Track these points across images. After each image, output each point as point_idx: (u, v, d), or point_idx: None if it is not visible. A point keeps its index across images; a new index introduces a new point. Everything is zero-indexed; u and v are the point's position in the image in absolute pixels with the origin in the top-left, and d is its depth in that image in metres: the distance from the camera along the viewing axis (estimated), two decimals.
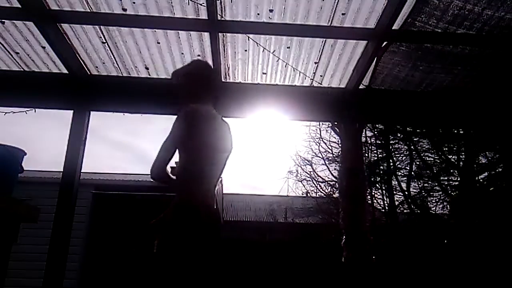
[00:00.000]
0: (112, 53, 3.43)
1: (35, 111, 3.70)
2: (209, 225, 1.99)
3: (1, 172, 2.09)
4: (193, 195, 1.97)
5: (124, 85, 3.68)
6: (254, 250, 14.49)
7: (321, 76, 3.65)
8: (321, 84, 3.70)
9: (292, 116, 3.89)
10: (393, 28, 2.94)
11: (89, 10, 2.96)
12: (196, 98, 2.18)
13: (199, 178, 2.03)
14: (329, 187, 12.05)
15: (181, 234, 1.88)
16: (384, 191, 10.22)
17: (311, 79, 3.68)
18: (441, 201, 9.90)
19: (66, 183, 3.38)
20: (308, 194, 13.05)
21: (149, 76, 3.68)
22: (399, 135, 9.93)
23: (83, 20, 3.06)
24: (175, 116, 2.07)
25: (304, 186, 12.92)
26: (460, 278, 7.41)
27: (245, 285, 13.59)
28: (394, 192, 10.08)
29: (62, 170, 3.41)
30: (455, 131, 8.80)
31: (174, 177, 2.05)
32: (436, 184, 9.70)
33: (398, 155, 10.39)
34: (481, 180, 8.91)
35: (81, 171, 3.48)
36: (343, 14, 2.94)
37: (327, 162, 11.57)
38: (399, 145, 10.27)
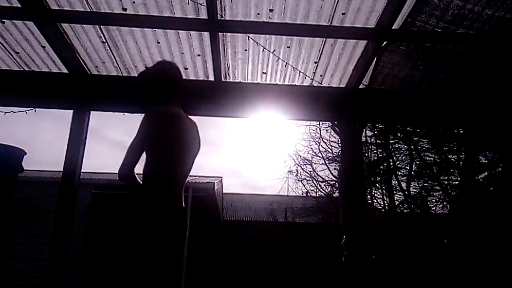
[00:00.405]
0: (112, 53, 3.43)
1: (35, 111, 3.70)
2: (179, 223, 2.05)
3: (1, 172, 2.10)
4: (164, 195, 2.02)
5: (124, 85, 3.68)
6: (254, 249, 14.49)
7: (321, 75, 3.65)
8: (321, 83, 3.70)
9: (292, 116, 3.89)
10: (393, 27, 2.94)
11: (89, 10, 2.96)
12: (164, 99, 2.22)
13: (168, 178, 2.07)
14: (329, 187, 12.06)
15: (155, 232, 1.94)
16: (384, 191, 10.22)
17: (311, 78, 3.67)
18: (441, 201, 9.91)
19: (66, 183, 3.38)
20: (308, 194, 13.06)
21: None
22: (399, 135, 9.93)
23: (83, 20, 3.06)
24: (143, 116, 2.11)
25: (304, 185, 12.93)
26: (460, 277, 7.42)
27: (247, 282, 13.60)
28: (394, 192, 10.08)
29: (62, 170, 3.41)
30: (455, 131, 8.80)
31: (140, 179, 2.10)
32: (436, 184, 9.70)
33: (398, 155, 10.39)
34: (481, 180, 8.92)
35: (81, 171, 3.48)
36: (343, 13, 2.93)
37: (327, 162, 11.59)
38: (399, 145, 10.28)
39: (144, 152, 2.06)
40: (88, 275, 8.39)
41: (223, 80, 3.65)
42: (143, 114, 2.12)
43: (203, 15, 2.94)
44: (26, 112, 3.72)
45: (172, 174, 2.09)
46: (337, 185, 10.62)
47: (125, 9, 2.96)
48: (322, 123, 10.67)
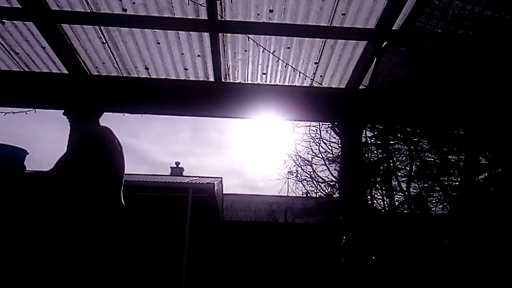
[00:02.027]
0: (112, 53, 3.43)
1: (35, 111, 3.70)
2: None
3: (4, 171, 2.11)
4: (122, 206, 2.25)
5: (124, 85, 3.68)
6: (254, 250, 14.47)
7: (321, 76, 3.65)
8: (321, 84, 3.70)
9: (292, 116, 3.89)
10: (393, 28, 2.94)
11: (89, 10, 2.96)
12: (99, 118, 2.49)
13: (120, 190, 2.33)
14: (329, 188, 12.06)
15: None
16: (384, 192, 10.23)
17: (311, 79, 3.67)
18: (441, 201, 9.91)
19: None
20: (308, 195, 13.05)
21: (149, 76, 3.68)
22: (399, 135, 9.93)
23: (83, 20, 3.06)
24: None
25: (304, 186, 12.92)
26: (460, 277, 7.41)
27: (246, 283, 13.59)
28: (394, 192, 10.09)
29: None
30: (455, 132, 8.80)
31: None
32: (436, 184, 9.70)
33: (398, 156, 10.40)
34: (481, 181, 8.92)
35: None
36: (343, 14, 2.93)
37: (327, 163, 11.58)
38: (399, 146, 10.28)
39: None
40: None
41: (223, 80, 3.65)
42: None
43: (203, 15, 2.94)
44: (26, 113, 3.73)
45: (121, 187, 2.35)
46: (337, 186, 10.63)
47: (125, 10, 2.95)
48: (322, 124, 10.69)
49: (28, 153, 2.27)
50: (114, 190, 2.25)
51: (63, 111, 2.50)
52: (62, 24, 3.12)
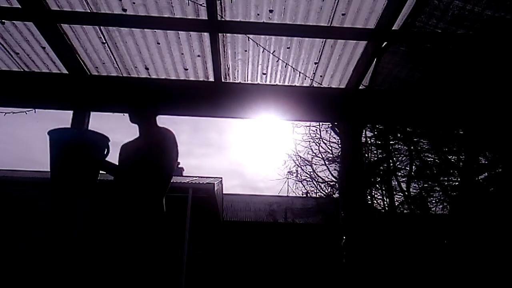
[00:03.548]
0: (112, 54, 3.43)
1: (35, 112, 3.70)
2: None
3: (97, 153, 2.51)
4: (163, 211, 2.49)
5: (124, 85, 3.68)
6: (254, 250, 14.47)
7: (321, 76, 3.65)
8: (321, 84, 3.70)
9: (292, 117, 3.88)
10: (393, 28, 2.94)
11: (89, 11, 2.96)
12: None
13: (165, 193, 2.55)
14: (329, 188, 12.06)
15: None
16: (384, 192, 10.23)
17: (311, 79, 3.67)
18: (441, 201, 9.91)
19: None
20: (308, 195, 13.06)
21: (149, 77, 3.68)
22: (399, 135, 9.93)
23: (83, 20, 3.05)
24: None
25: (304, 186, 12.93)
26: (460, 277, 7.41)
27: (246, 283, 13.59)
28: (394, 193, 10.08)
29: None
30: (455, 132, 8.80)
31: None
32: (436, 184, 9.70)
33: (398, 156, 10.40)
34: (481, 181, 8.92)
35: None
36: (343, 14, 2.93)
37: (327, 163, 11.59)
38: (399, 146, 10.28)
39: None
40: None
41: (223, 80, 3.65)
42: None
43: (203, 16, 2.94)
44: (26, 113, 3.72)
45: None
46: (337, 186, 10.64)
47: (125, 10, 2.95)
48: (322, 124, 10.69)
49: (110, 140, 2.58)
50: (162, 193, 2.35)
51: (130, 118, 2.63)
52: (62, 24, 3.12)
